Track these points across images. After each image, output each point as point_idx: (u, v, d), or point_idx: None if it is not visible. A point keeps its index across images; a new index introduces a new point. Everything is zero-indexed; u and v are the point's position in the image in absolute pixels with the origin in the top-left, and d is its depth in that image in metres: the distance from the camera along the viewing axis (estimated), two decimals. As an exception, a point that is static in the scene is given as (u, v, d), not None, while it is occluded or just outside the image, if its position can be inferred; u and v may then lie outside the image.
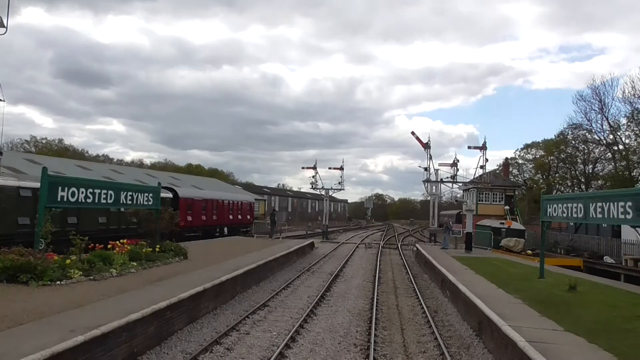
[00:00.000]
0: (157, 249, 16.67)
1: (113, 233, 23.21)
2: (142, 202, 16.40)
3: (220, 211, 39.54)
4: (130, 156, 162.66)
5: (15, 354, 6.31)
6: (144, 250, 15.50)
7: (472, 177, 39.69)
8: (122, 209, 19.32)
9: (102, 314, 8.76)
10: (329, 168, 51.21)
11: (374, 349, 10.57)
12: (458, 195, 55.21)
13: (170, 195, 31.84)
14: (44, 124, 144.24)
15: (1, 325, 7.69)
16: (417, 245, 31.94)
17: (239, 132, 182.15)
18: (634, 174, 60.86)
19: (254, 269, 18.03)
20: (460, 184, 38.88)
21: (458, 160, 36.06)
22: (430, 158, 37.25)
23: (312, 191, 60.81)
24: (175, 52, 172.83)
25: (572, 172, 78.66)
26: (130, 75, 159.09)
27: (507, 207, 48.45)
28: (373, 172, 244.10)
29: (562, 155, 77.90)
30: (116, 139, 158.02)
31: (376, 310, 14.72)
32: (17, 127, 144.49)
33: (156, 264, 15.54)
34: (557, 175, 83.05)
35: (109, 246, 15.02)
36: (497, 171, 63.83)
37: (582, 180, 75.93)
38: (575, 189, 75.85)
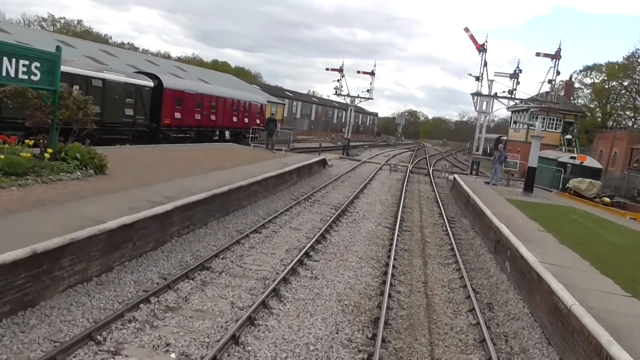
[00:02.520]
0: (45, 155, 10.27)
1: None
2: (17, 76, 9.72)
3: (221, 111, 32.77)
4: (162, 50, 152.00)
5: None
6: (2, 157, 9.02)
7: (529, 96, 31.60)
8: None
9: None
10: (358, 72, 42.82)
11: None
12: (496, 119, 46.80)
13: (149, 83, 25.02)
14: (78, 8, 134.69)
15: None
16: (454, 175, 24.87)
17: (272, 33, 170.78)
18: None
19: (211, 197, 11.67)
20: (518, 101, 30.61)
21: (520, 71, 27.58)
22: (485, 65, 28.83)
23: (340, 100, 52.99)
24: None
25: (638, 101, 69.47)
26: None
27: (568, 137, 39.68)
28: (407, 88, 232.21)
29: (626, 82, 68.82)
30: (151, 31, 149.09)
31: (389, 297, 8.41)
32: (44, 5, 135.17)
33: (29, 180, 9.13)
34: (617, 104, 74.13)
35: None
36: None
37: (645, 113, 67.46)
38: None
